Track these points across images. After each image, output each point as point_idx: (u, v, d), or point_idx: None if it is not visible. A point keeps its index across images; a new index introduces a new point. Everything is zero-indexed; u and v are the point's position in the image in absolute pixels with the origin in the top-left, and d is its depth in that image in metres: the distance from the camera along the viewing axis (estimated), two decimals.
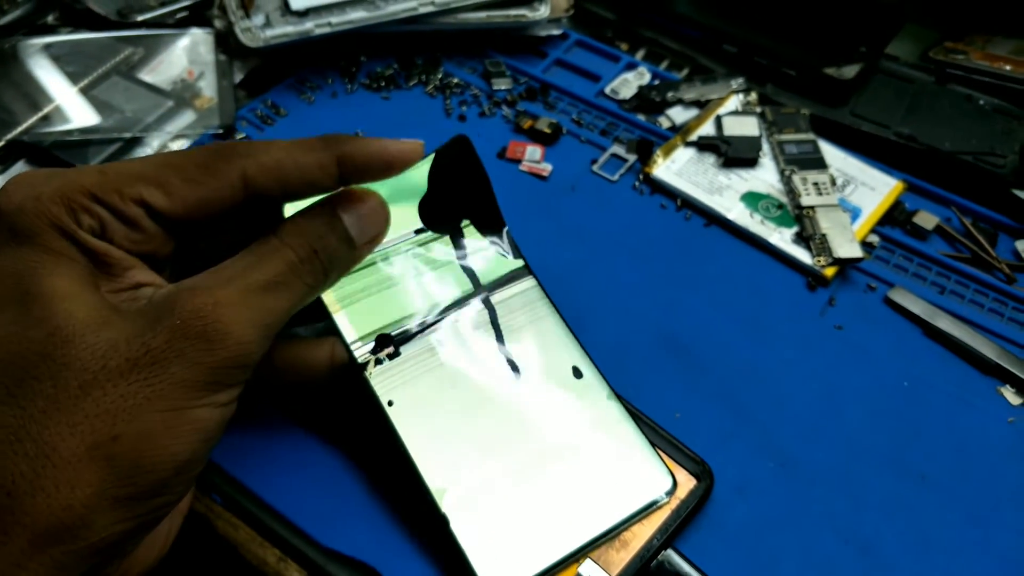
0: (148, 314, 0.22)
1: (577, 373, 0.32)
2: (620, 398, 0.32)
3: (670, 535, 0.30)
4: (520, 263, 0.32)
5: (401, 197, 0.30)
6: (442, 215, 0.31)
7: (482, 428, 0.30)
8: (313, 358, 0.30)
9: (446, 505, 0.28)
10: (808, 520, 0.33)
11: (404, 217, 0.31)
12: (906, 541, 0.32)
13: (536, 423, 0.30)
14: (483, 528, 0.28)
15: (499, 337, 0.31)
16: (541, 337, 0.32)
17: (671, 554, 0.30)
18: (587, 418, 0.31)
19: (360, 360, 0.29)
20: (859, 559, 0.31)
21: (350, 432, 0.33)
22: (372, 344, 0.30)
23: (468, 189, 0.32)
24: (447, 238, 0.31)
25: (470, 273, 0.32)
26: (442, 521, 0.28)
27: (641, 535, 0.30)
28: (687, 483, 0.32)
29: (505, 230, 0.33)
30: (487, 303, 0.31)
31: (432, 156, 0.30)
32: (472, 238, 0.32)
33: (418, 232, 0.31)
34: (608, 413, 0.31)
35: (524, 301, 0.32)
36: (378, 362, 0.29)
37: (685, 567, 0.30)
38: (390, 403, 0.29)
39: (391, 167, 0.25)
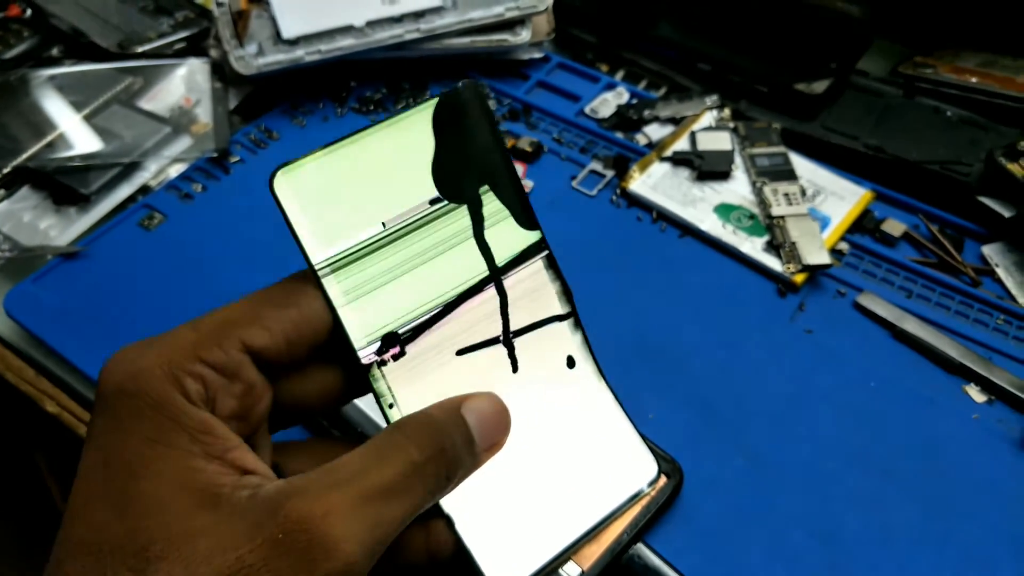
0: (249, 516, 0.20)
1: (570, 363, 0.31)
2: (609, 385, 0.31)
3: (640, 529, 0.32)
4: (537, 235, 0.29)
5: (410, 161, 0.27)
6: (457, 180, 0.28)
7: None
8: (406, 546, 0.26)
9: (448, 505, 0.28)
10: (775, 514, 0.34)
11: (416, 185, 0.27)
12: (870, 533, 0.33)
13: (532, 416, 0.30)
14: (486, 526, 0.28)
15: (505, 328, 0.29)
16: (542, 326, 0.30)
17: (641, 548, 0.32)
18: (580, 408, 0.31)
19: (364, 362, 0.27)
20: (824, 551, 0.33)
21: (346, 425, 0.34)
22: (378, 345, 0.27)
23: (481, 147, 0.28)
24: (463, 209, 0.28)
25: (486, 252, 0.29)
26: (446, 521, 0.28)
27: (612, 529, 0.31)
28: (657, 480, 0.33)
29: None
30: (499, 288, 0.29)
31: (432, 106, 0.26)
32: (491, 207, 0.28)
33: (433, 203, 0.27)
34: (600, 401, 0.31)
35: (533, 285, 0.30)
36: (382, 364, 0.27)
37: (655, 560, 0.32)
38: (391, 405, 0.27)
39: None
